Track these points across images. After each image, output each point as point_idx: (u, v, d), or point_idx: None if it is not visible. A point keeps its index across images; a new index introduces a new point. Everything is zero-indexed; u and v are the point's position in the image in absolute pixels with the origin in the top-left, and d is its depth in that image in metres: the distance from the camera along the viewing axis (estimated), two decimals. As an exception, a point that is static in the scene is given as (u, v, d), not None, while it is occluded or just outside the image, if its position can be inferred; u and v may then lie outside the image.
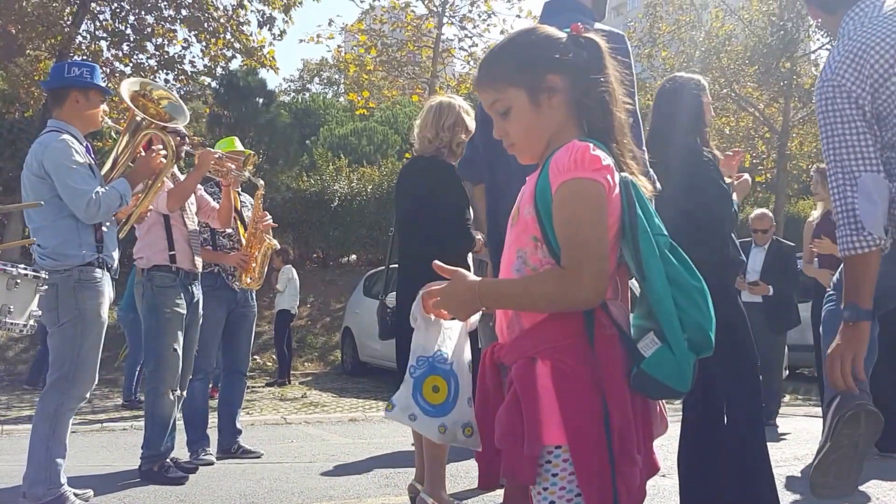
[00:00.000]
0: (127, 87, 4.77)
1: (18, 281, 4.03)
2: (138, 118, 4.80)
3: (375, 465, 6.14)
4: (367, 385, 13.12)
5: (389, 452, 6.97)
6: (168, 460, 5.62)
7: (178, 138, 5.73)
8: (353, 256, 21.06)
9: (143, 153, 5.01)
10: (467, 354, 2.24)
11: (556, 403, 1.95)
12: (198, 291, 5.81)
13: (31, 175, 4.56)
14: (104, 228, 4.68)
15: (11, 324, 4.04)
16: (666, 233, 2.06)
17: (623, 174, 2.07)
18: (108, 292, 4.67)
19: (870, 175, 2.83)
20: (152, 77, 16.45)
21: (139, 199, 5.05)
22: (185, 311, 5.60)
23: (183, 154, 5.82)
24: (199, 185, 6.01)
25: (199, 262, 5.78)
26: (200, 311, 5.88)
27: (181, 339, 5.57)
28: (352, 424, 9.12)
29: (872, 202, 2.82)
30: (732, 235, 4.24)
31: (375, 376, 13.30)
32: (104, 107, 4.84)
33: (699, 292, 2.01)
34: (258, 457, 6.42)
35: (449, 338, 2.26)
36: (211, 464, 6.11)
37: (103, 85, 4.80)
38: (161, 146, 5.02)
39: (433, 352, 2.24)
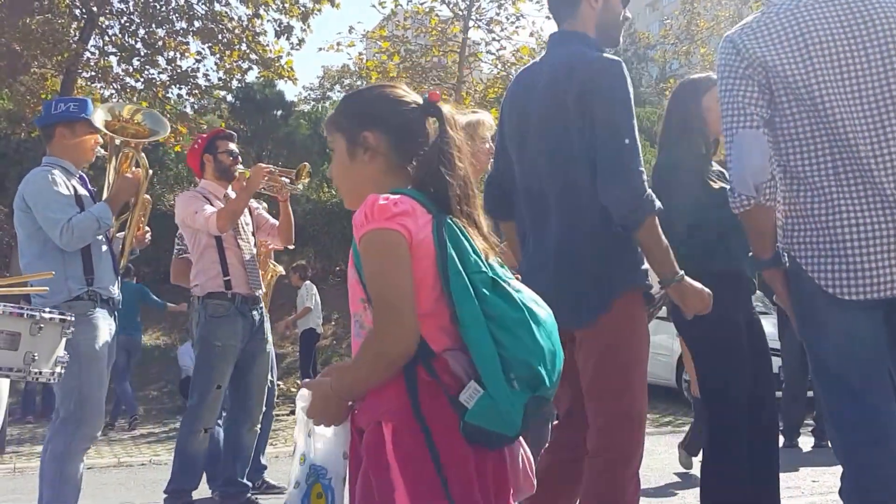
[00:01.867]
0: (100, 118, 4.84)
1: (42, 326, 3.97)
2: (117, 142, 4.86)
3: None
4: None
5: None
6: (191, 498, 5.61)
7: (230, 158, 5.86)
8: (377, 269, 21.08)
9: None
10: (343, 466, 2.23)
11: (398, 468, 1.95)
12: (259, 315, 5.77)
13: (18, 210, 4.62)
14: (96, 259, 4.69)
15: (37, 373, 3.95)
16: (485, 269, 2.06)
17: (442, 215, 2.09)
18: (105, 325, 4.66)
19: (746, 132, 2.90)
20: (164, 92, 16.56)
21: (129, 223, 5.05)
22: (239, 343, 5.58)
23: (236, 174, 5.86)
24: (256, 204, 6.10)
25: (257, 284, 5.75)
26: (268, 335, 5.87)
27: (228, 375, 5.56)
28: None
29: (741, 160, 2.92)
30: (729, 246, 4.15)
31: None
32: (99, 138, 4.89)
33: (522, 324, 1.99)
34: (282, 491, 6.32)
35: (319, 445, 2.25)
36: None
37: (90, 118, 4.85)
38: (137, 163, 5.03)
39: (313, 461, 2.23)
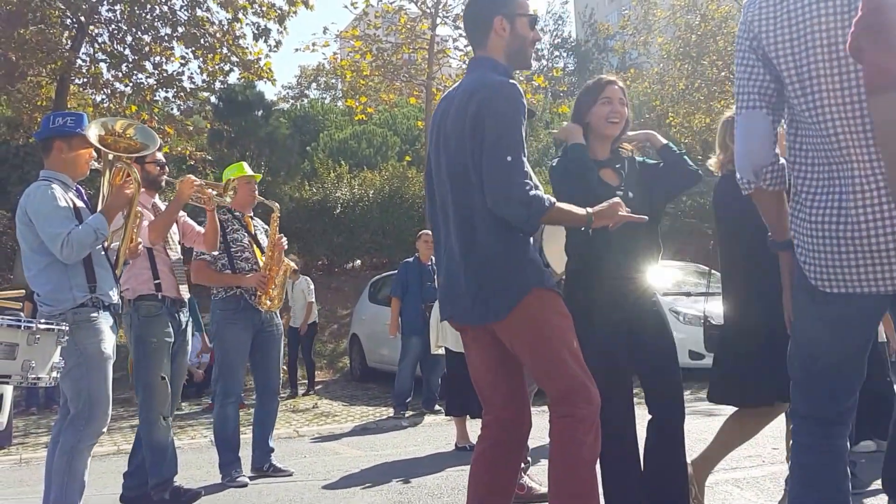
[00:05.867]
0: (94, 133, 4.81)
1: (38, 336, 4.09)
2: (110, 157, 4.85)
3: (389, 480, 6.19)
4: (377, 391, 13.23)
5: (401, 460, 7.11)
6: (175, 485, 5.69)
7: (158, 168, 5.83)
8: (358, 262, 21.15)
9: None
10: None
11: None
12: (185, 318, 5.87)
13: (20, 224, 4.67)
14: (97, 268, 4.73)
15: (34, 378, 4.09)
16: None
17: None
18: (109, 329, 4.72)
19: (747, 113, 2.76)
20: (152, 95, 16.58)
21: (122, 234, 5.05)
22: (171, 339, 5.67)
23: (163, 183, 5.91)
24: (183, 213, 6.07)
25: (184, 290, 5.83)
26: (189, 337, 5.95)
27: (168, 366, 5.65)
28: (364, 435, 9.21)
29: (741, 143, 2.78)
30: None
31: (384, 382, 13.36)
32: (93, 152, 4.89)
33: None
34: (289, 475, 6.51)
35: None
36: (244, 485, 6.17)
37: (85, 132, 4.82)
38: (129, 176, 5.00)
39: None
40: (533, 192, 3.26)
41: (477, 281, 3.39)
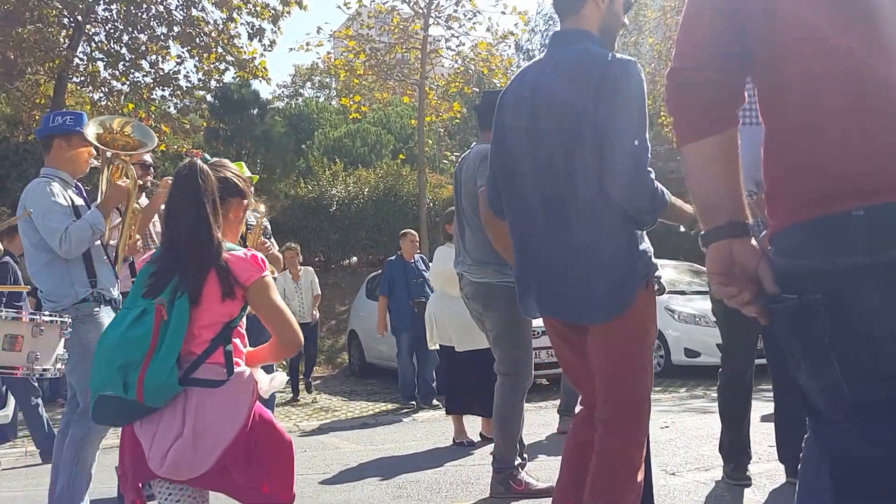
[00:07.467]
0: (92, 131, 4.81)
1: (43, 328, 4.13)
2: (108, 155, 4.85)
3: (388, 474, 6.18)
4: (376, 386, 13.19)
5: (400, 455, 7.07)
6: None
7: (142, 170, 5.78)
8: (354, 259, 21.15)
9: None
10: None
11: None
12: None
13: (22, 221, 4.69)
14: (97, 263, 4.75)
15: (41, 370, 4.14)
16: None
17: None
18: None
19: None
20: (149, 94, 16.56)
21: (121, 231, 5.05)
22: None
23: (149, 185, 5.89)
24: None
25: None
26: None
27: None
28: (363, 429, 9.16)
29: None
30: None
31: (383, 377, 13.34)
32: (92, 150, 4.91)
33: None
34: None
35: None
36: None
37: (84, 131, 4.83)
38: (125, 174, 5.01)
39: None
40: (656, 182, 3.09)
41: (593, 275, 3.15)
